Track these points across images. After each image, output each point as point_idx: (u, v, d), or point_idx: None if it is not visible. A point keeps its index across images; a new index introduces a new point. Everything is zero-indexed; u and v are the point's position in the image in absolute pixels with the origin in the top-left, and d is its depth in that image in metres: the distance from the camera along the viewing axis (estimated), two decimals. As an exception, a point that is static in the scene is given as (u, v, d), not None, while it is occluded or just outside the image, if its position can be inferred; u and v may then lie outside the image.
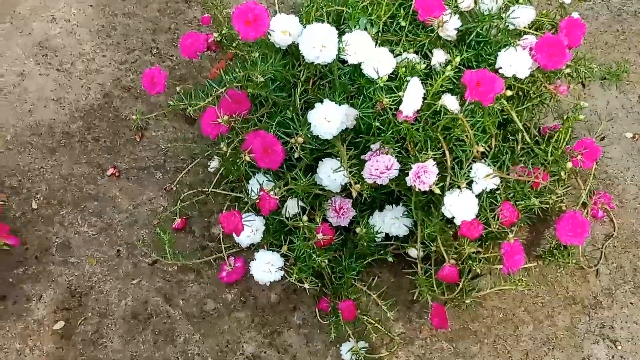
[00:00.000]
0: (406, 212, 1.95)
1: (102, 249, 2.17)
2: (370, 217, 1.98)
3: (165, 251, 2.02)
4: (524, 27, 1.95)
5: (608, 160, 2.38)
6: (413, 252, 1.96)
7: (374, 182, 1.81)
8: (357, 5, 1.94)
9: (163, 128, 2.39)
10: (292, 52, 1.90)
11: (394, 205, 1.97)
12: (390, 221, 1.96)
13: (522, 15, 1.94)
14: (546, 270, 2.17)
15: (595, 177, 2.23)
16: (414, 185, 1.77)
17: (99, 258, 2.15)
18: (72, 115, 2.40)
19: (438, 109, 1.79)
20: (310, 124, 1.79)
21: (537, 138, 2.05)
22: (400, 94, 1.77)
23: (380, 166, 1.80)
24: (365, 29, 1.89)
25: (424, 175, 1.76)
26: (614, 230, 2.26)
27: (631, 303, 2.14)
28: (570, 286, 2.16)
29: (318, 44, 1.75)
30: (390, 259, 2.02)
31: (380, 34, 1.94)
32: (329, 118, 1.77)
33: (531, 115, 2.12)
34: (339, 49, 1.78)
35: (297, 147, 1.82)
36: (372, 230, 1.91)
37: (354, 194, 1.81)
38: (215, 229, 2.21)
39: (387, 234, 1.98)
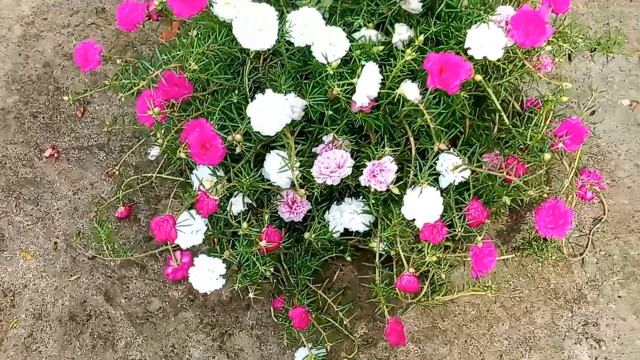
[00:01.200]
0: (365, 207, 1.74)
1: (38, 242, 1.99)
2: (327, 211, 1.77)
3: (103, 247, 1.82)
4: (501, -4, 1.71)
5: (601, 132, 2.14)
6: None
7: (324, 182, 1.60)
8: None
9: (108, 101, 2.16)
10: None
11: (353, 198, 1.77)
12: (349, 216, 1.75)
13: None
14: (526, 260, 1.97)
15: (584, 152, 2.03)
16: (370, 186, 1.57)
17: (34, 252, 1.97)
18: (9, 88, 2.17)
19: (396, 99, 1.57)
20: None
21: (516, 119, 1.82)
22: (354, 80, 1.55)
23: (331, 164, 1.58)
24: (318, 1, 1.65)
25: (380, 174, 1.56)
26: (604, 214, 2.04)
27: (619, 296, 1.94)
28: (552, 278, 1.96)
29: (254, 27, 1.51)
30: (348, 259, 1.82)
31: (340, 3, 1.69)
32: (271, 112, 1.54)
33: (513, 87, 1.88)
34: (281, 30, 1.54)
35: (237, 143, 1.60)
36: (324, 231, 1.70)
37: (299, 199, 1.60)
38: (163, 217, 2.01)
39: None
